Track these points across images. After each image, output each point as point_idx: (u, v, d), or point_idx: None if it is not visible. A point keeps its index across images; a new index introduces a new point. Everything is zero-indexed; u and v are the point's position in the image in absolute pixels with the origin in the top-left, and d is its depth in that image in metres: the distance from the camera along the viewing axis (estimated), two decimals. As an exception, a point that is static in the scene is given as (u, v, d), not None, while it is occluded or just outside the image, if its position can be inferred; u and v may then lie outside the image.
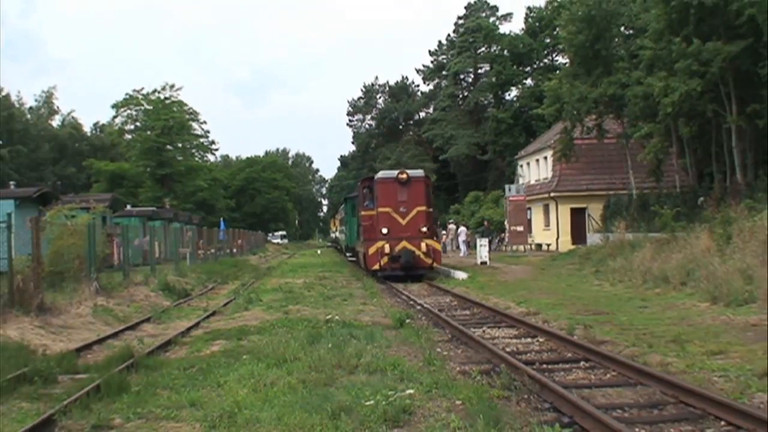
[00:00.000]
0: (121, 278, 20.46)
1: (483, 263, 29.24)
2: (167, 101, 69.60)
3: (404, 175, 25.25)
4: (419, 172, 26.97)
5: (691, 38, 22.96)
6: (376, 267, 24.45)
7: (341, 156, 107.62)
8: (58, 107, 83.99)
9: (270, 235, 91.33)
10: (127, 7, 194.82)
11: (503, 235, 44.55)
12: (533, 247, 41.54)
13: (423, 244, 24.46)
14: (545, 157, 43.66)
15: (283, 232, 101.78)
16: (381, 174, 27.05)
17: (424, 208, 24.93)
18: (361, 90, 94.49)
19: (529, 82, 63.70)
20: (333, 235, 76.31)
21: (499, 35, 67.67)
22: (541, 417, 6.70)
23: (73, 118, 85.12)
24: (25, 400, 8.02)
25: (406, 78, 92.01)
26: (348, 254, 39.14)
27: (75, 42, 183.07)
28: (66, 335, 12.85)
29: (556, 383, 7.83)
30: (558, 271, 25.66)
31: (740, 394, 7.21)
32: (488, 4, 74.26)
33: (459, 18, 74.14)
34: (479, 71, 72.14)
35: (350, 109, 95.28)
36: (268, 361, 9.35)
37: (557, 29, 45.68)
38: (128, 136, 72.35)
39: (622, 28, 32.67)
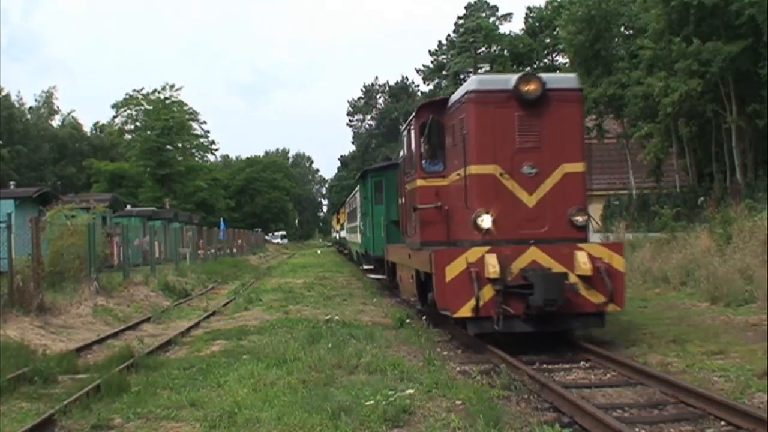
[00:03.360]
0: (121, 278, 20.45)
1: None
2: (167, 101, 69.64)
3: (534, 86, 10.34)
4: (567, 79, 11.62)
5: (691, 38, 22.96)
6: (465, 311, 9.72)
7: (341, 156, 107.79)
8: (58, 107, 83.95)
9: (269, 235, 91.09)
10: (128, 7, 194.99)
11: None
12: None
13: (581, 258, 9.84)
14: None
15: (283, 232, 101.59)
16: (476, 84, 11.03)
17: (578, 165, 10.44)
18: (361, 90, 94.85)
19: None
20: (336, 236, 61.71)
21: (499, 35, 67.66)
22: (541, 417, 6.70)
23: (73, 118, 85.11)
24: (25, 400, 8.02)
25: (406, 78, 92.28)
26: (366, 266, 22.86)
27: (75, 42, 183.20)
28: (66, 335, 12.86)
29: (556, 383, 7.83)
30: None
31: (740, 394, 7.22)
32: (488, 4, 74.27)
33: (459, 18, 74.11)
34: (479, 71, 72.15)
35: (350, 109, 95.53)
36: (268, 361, 9.36)
37: (557, 29, 45.63)
38: (128, 136, 72.37)
39: (622, 28, 32.63)
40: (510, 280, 9.52)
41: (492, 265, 9.45)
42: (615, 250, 10.10)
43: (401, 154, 15.04)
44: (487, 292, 9.48)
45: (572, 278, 9.62)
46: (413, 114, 12.42)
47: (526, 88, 10.18)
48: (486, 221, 9.98)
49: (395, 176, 17.06)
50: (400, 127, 14.04)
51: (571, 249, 9.80)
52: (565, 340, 10.36)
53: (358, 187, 25.78)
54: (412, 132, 12.43)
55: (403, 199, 14.06)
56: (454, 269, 9.65)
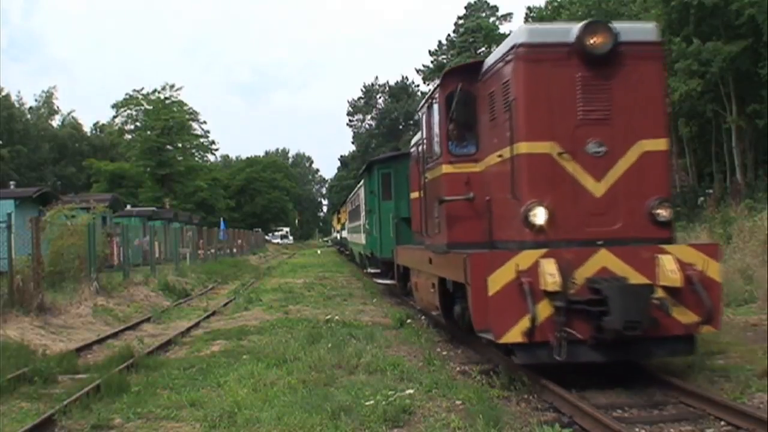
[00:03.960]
0: (121, 278, 20.45)
1: None
2: (167, 101, 69.66)
3: (603, 38, 7.95)
4: (645, 30, 8.62)
5: (691, 38, 22.99)
6: (515, 335, 7.42)
7: (341, 156, 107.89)
8: (58, 107, 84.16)
9: (269, 235, 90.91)
10: (128, 7, 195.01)
11: None
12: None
13: (667, 264, 7.58)
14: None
15: (284, 231, 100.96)
16: (526, 35, 8.22)
17: (660, 142, 8.18)
18: (361, 90, 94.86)
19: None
20: (336, 236, 60.64)
21: (499, 35, 67.62)
22: (541, 417, 6.70)
23: (73, 118, 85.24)
24: (25, 400, 8.03)
25: (406, 78, 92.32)
26: (371, 269, 20.95)
27: (75, 42, 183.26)
28: (66, 335, 12.86)
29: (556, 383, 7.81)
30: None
31: (740, 394, 7.21)
32: (488, 4, 74.33)
33: (459, 18, 74.23)
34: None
35: (350, 109, 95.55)
36: (268, 361, 9.36)
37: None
38: (128, 136, 72.38)
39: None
40: (573, 293, 7.32)
41: (550, 274, 7.24)
42: (710, 253, 7.71)
43: (415, 140, 13.26)
44: (544, 310, 7.25)
45: (659, 292, 7.39)
46: (436, 83, 9.81)
47: (593, 41, 7.87)
48: (540, 216, 7.72)
49: (406, 168, 15.16)
50: (418, 113, 11.58)
51: (653, 252, 7.55)
52: (631, 364, 8.08)
53: (362, 182, 23.23)
54: (435, 107, 9.89)
55: (421, 192, 11.46)
56: (499, 279, 7.38)
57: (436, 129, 10.02)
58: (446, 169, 9.50)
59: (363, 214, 22.95)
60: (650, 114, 8.01)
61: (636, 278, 7.43)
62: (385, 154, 23.67)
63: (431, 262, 10.27)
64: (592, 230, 7.85)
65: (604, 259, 7.54)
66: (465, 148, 9.55)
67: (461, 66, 10.46)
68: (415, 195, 12.96)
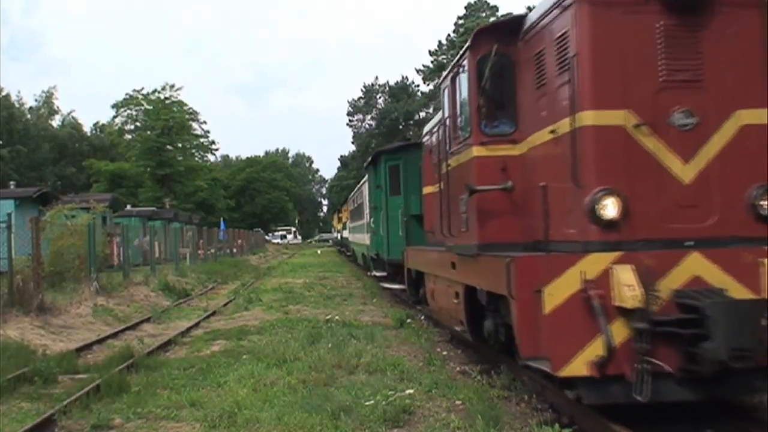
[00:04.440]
0: (121, 278, 20.45)
1: None
2: (167, 101, 69.67)
3: None
4: None
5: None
6: (579, 366, 5.68)
7: (341, 156, 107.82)
8: (58, 107, 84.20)
9: (268, 235, 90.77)
10: (128, 7, 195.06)
11: None
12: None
13: None
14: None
15: (284, 231, 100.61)
16: None
17: (763, 114, 6.29)
18: (361, 90, 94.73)
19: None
20: (337, 235, 59.16)
21: (499, 35, 67.60)
22: (541, 417, 6.70)
23: (73, 118, 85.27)
24: (25, 400, 8.03)
25: (406, 78, 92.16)
26: (377, 273, 19.09)
27: (75, 42, 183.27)
28: (66, 335, 12.86)
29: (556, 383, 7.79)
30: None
31: (740, 394, 7.17)
32: (488, 4, 74.34)
33: (459, 18, 74.26)
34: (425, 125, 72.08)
35: (350, 109, 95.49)
36: (268, 361, 9.37)
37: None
38: (128, 136, 72.40)
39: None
40: (656, 310, 5.60)
41: (628, 285, 5.58)
42: None
43: (429, 128, 11.78)
44: (619, 333, 5.58)
45: None
46: (465, 47, 8.01)
47: None
48: (612, 208, 6.01)
49: (417, 159, 13.49)
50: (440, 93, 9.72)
51: (756, 256, 5.86)
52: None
53: (366, 176, 21.08)
54: (463, 77, 8.21)
55: (440, 185, 9.73)
56: (559, 292, 5.74)
57: (462, 105, 8.35)
58: (478, 152, 7.73)
59: (367, 212, 21.55)
60: (751, 77, 6.26)
61: (737, 290, 5.73)
62: (394, 143, 20.82)
63: (455, 267, 8.72)
64: (680, 227, 6.12)
65: (695, 266, 5.82)
66: (499, 126, 7.83)
67: (496, 23, 8.54)
68: (429, 190, 11.53)
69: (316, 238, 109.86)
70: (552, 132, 6.76)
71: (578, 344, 5.66)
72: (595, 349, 5.59)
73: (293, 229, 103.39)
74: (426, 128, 12.32)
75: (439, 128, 10.17)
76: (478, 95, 7.67)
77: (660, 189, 6.15)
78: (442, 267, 9.62)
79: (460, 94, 8.44)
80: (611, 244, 5.98)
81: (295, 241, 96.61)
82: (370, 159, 19.36)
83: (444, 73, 9.34)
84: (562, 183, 6.52)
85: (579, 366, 5.66)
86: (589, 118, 6.12)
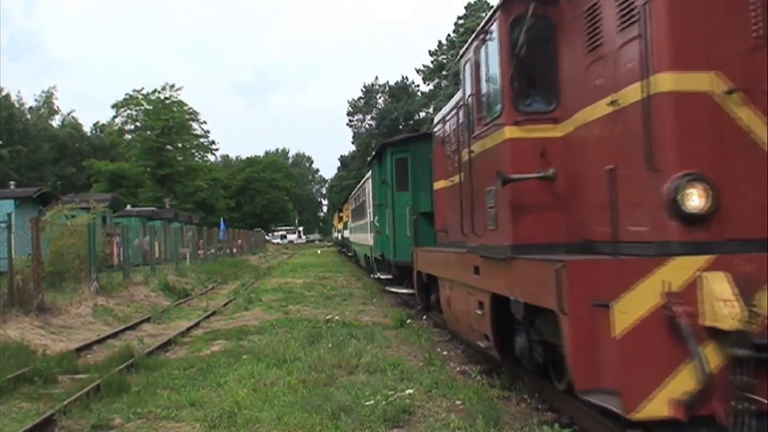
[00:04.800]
0: (121, 278, 20.45)
1: None
2: (167, 101, 69.72)
3: None
4: None
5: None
6: (659, 406, 4.39)
7: (341, 156, 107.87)
8: (58, 107, 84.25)
9: (269, 235, 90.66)
10: (128, 7, 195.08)
11: None
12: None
13: None
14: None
15: (284, 231, 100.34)
16: None
17: None
18: (361, 90, 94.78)
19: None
20: (338, 235, 57.57)
21: (499, 35, 67.59)
22: (541, 417, 6.69)
23: (73, 118, 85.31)
24: (25, 400, 8.02)
25: (406, 78, 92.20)
26: (381, 275, 17.71)
27: (75, 42, 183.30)
28: (66, 335, 12.85)
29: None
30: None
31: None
32: (488, 4, 74.17)
33: (459, 18, 74.21)
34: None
35: (350, 109, 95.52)
36: (268, 361, 9.36)
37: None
38: (128, 136, 72.46)
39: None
40: (757, 330, 4.35)
41: (725, 300, 4.40)
42: None
43: (440, 116, 10.74)
44: (710, 362, 4.40)
45: None
46: (494, 8, 6.77)
47: None
48: (697, 198, 4.78)
49: (427, 151, 12.61)
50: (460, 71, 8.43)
51: None
52: None
53: (370, 172, 19.99)
54: (491, 44, 6.88)
55: (459, 176, 8.52)
56: (633, 308, 4.53)
57: (491, 78, 7.01)
58: (511, 133, 6.38)
59: (370, 210, 20.31)
60: None
61: None
62: (401, 135, 19.47)
63: (478, 272, 7.48)
64: None
65: None
66: (536, 103, 6.62)
67: None
68: (441, 185, 10.58)
69: (314, 238, 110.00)
70: (612, 104, 5.45)
71: (659, 377, 4.41)
72: (682, 382, 4.36)
73: (299, 228, 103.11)
74: (437, 117, 11.26)
75: (456, 112, 8.98)
76: (511, 65, 6.38)
77: (757, 174, 4.85)
78: (462, 271, 8.34)
79: (487, 67, 7.10)
80: (697, 245, 4.69)
81: (300, 241, 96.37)
82: (374, 153, 17.99)
83: (467, 44, 7.84)
84: (627, 168, 5.25)
85: (659, 405, 4.39)
86: (667, 82, 4.84)
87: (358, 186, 27.68)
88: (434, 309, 11.69)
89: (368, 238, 21.14)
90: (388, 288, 16.25)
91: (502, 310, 6.76)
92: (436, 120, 11.26)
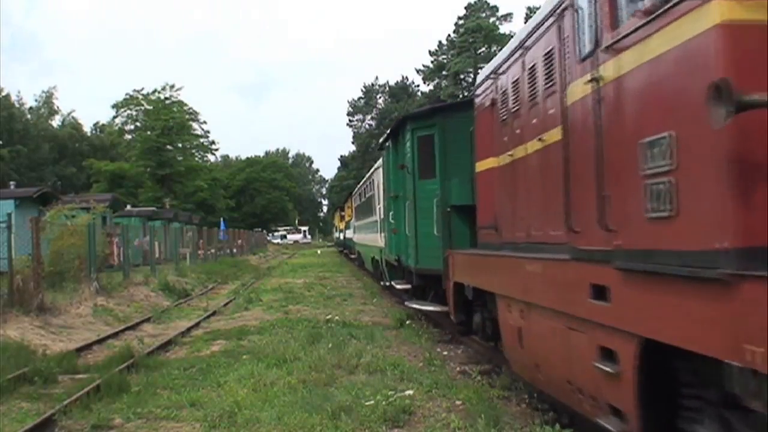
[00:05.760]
0: (121, 278, 20.45)
1: None
2: (167, 101, 69.75)
3: None
4: None
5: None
6: None
7: (341, 156, 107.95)
8: (58, 107, 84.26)
9: (270, 235, 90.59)
10: (128, 7, 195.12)
11: None
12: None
13: None
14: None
15: (284, 231, 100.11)
16: None
17: None
18: (361, 90, 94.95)
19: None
20: (339, 235, 55.35)
21: (499, 35, 67.73)
22: (541, 417, 6.69)
23: (73, 118, 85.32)
24: (25, 400, 8.02)
25: (406, 78, 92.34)
26: (398, 285, 14.39)
27: (75, 42, 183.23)
28: (66, 335, 12.85)
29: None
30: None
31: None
32: (488, 4, 74.38)
33: (459, 18, 74.39)
34: (479, 71, 72.21)
35: (350, 109, 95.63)
36: (268, 361, 9.36)
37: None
38: (128, 137, 72.50)
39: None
40: None
41: None
42: None
43: (501, 58, 7.61)
44: None
45: None
46: None
47: None
48: None
49: (462, 125, 10.13)
50: None
51: None
52: None
53: (381, 159, 17.02)
54: None
55: (563, 127, 5.38)
56: None
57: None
58: (730, 11, 3.26)
59: (380, 206, 17.47)
60: None
61: None
62: (426, 106, 15.05)
63: (605, 297, 4.50)
64: None
65: None
66: None
67: None
68: (490, 164, 7.87)
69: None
70: None
71: None
72: None
73: (303, 228, 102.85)
74: (481, 75, 8.79)
75: (533, 44, 6.32)
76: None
77: None
78: (557, 291, 5.41)
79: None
80: None
81: (305, 241, 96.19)
82: (388, 131, 14.71)
83: None
84: None
85: None
86: None
87: (365, 178, 24.39)
88: (478, 334, 8.91)
89: (377, 239, 18.28)
90: (410, 304, 12.58)
91: (656, 368, 4.10)
92: (480, 78, 8.67)
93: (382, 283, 18.44)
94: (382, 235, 16.87)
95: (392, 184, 14.21)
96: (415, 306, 12.34)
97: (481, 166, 8.42)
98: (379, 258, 18.30)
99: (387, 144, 15.04)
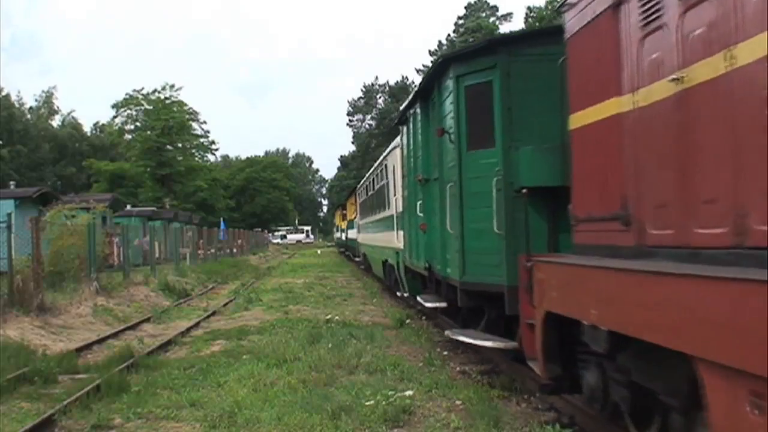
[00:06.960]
0: (121, 278, 20.45)
1: None
2: (167, 101, 69.77)
3: None
4: None
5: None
6: None
7: (341, 156, 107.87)
8: (58, 107, 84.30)
9: (270, 235, 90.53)
10: (128, 7, 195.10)
11: None
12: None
13: None
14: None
15: (284, 231, 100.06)
16: None
17: None
18: (361, 90, 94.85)
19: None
20: (341, 235, 50.01)
21: (500, 35, 67.68)
22: (541, 417, 6.69)
23: (73, 118, 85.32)
24: (25, 400, 8.02)
25: (406, 78, 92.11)
26: (427, 301, 10.25)
27: (75, 42, 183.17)
28: (66, 335, 12.86)
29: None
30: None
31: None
32: (488, 4, 74.38)
33: (459, 18, 74.34)
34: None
35: (350, 109, 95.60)
36: (268, 361, 9.36)
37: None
38: (128, 136, 72.49)
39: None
40: None
41: None
42: None
43: None
44: None
45: None
46: None
47: None
48: None
49: (539, 65, 7.14)
50: None
51: None
52: None
53: (397, 139, 13.60)
54: None
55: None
56: None
57: None
58: None
59: (396, 197, 13.97)
60: None
61: None
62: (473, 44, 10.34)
63: None
64: None
65: None
66: None
67: None
68: (604, 109, 4.99)
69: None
70: None
71: None
72: None
73: (306, 228, 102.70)
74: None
75: None
76: None
77: None
78: None
79: None
80: None
81: (308, 240, 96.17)
82: (416, 89, 10.48)
83: None
84: None
85: None
86: None
87: (375, 165, 19.95)
88: (596, 404, 5.33)
89: (392, 238, 14.76)
90: (452, 335, 8.75)
91: None
92: None
93: (399, 294, 14.78)
94: (400, 233, 13.33)
95: (421, 163, 10.27)
96: (463, 339, 8.43)
97: (584, 117, 5.34)
98: (395, 263, 14.51)
99: (411, 111, 11.06)
